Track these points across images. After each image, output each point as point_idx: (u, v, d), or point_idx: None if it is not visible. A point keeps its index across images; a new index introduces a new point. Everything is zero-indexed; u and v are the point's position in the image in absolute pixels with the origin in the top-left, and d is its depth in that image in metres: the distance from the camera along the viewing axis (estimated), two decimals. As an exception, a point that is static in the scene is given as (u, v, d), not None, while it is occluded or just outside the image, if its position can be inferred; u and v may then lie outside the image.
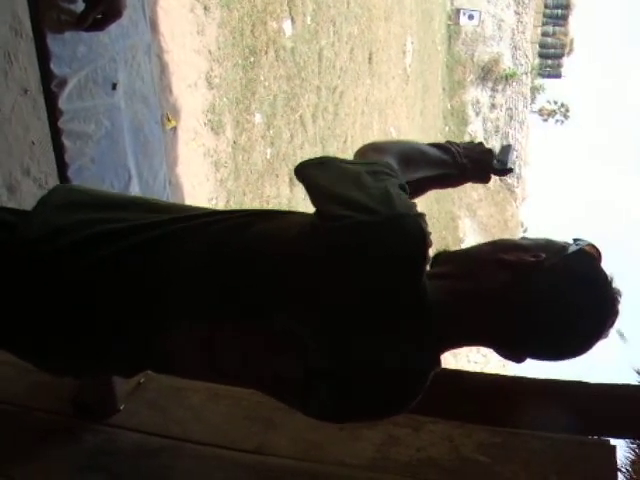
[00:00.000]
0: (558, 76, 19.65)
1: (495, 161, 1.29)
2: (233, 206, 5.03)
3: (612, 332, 0.97)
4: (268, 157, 5.66)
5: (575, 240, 1.01)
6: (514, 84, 17.77)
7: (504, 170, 1.29)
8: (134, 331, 1.04)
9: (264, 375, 1.03)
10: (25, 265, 1.03)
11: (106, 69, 1.56)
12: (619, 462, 1.54)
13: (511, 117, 17.92)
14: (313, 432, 1.42)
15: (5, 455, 1.37)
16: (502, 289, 0.97)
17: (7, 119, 2.53)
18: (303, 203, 5.65)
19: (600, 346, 0.99)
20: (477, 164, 1.27)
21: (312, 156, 1.12)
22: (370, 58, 9.14)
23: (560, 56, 19.21)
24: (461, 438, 1.44)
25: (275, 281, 0.98)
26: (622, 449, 1.78)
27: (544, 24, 18.53)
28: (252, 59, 5.30)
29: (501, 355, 1.00)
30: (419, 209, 0.97)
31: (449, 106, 17.23)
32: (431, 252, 0.98)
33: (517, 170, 17.62)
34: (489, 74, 17.64)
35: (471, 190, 16.31)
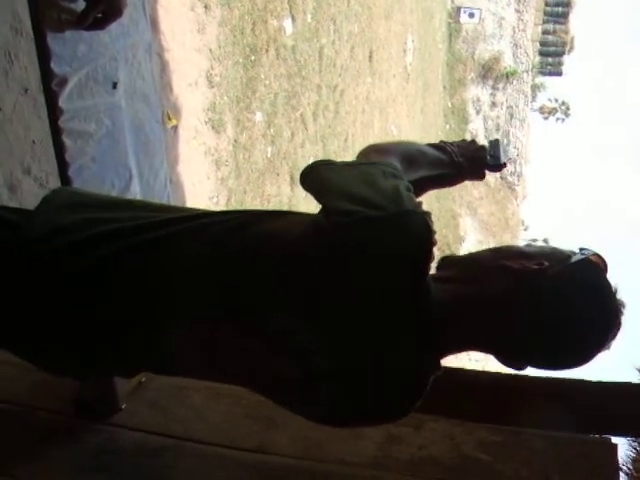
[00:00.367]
0: (559, 74, 19.58)
1: (488, 157, 1.29)
2: (234, 204, 5.03)
3: (614, 343, 0.96)
4: (269, 155, 5.65)
5: (581, 249, 1.00)
6: (515, 82, 17.74)
7: (498, 165, 1.30)
8: (134, 331, 1.04)
9: (264, 375, 1.03)
10: (26, 265, 1.03)
11: (107, 68, 1.56)
12: (620, 460, 1.55)
13: (512, 115, 17.87)
14: (314, 431, 1.42)
15: (7, 455, 1.37)
16: (504, 295, 0.97)
17: (8, 118, 2.53)
18: (304, 202, 5.65)
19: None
20: (472, 162, 1.28)
21: (313, 155, 1.13)
22: (371, 56, 9.13)
23: (561, 54, 19.15)
24: (462, 436, 1.44)
25: (275, 281, 0.98)
26: (623, 447, 1.79)
27: (545, 22, 18.47)
28: (253, 57, 5.29)
29: (501, 362, 1.01)
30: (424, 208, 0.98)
31: (450, 104, 17.20)
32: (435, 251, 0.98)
33: (518, 168, 17.61)
34: (490, 72, 17.60)
35: (472, 188, 16.29)
